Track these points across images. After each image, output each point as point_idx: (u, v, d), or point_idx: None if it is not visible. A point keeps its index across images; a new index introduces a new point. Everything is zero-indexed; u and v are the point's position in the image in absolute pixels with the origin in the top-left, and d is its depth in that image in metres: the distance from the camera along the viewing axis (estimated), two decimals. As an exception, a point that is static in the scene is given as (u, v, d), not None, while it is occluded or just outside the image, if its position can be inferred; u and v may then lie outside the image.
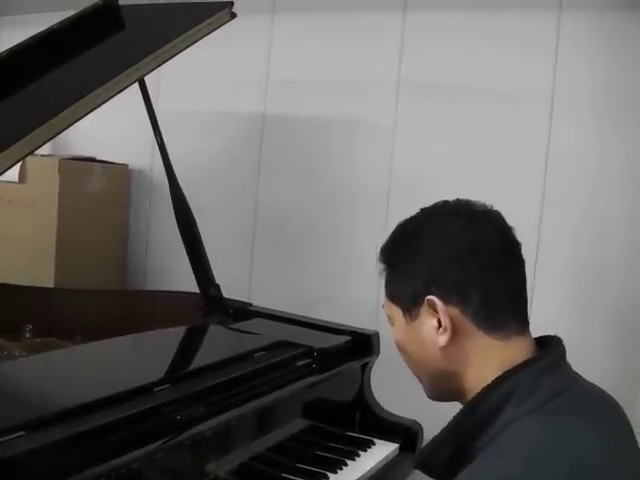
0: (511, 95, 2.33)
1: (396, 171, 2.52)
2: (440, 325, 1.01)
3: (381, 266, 1.10)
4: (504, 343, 1.01)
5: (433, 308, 1.01)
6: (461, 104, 2.39)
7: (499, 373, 0.98)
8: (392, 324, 1.10)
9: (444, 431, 1.02)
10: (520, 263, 1.05)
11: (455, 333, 1.01)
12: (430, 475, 1.06)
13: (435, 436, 1.03)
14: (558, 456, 0.88)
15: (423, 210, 1.10)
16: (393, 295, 1.08)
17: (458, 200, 1.09)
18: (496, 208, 1.07)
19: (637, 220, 2.17)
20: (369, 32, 2.54)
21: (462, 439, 0.98)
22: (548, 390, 0.95)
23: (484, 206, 1.07)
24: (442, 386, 1.07)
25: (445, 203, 1.09)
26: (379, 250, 1.11)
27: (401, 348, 1.10)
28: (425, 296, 1.02)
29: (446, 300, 1.00)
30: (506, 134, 2.34)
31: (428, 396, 1.11)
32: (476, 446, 0.95)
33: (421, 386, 1.12)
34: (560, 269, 2.27)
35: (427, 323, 1.03)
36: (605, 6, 2.20)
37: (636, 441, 1.03)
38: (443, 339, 1.01)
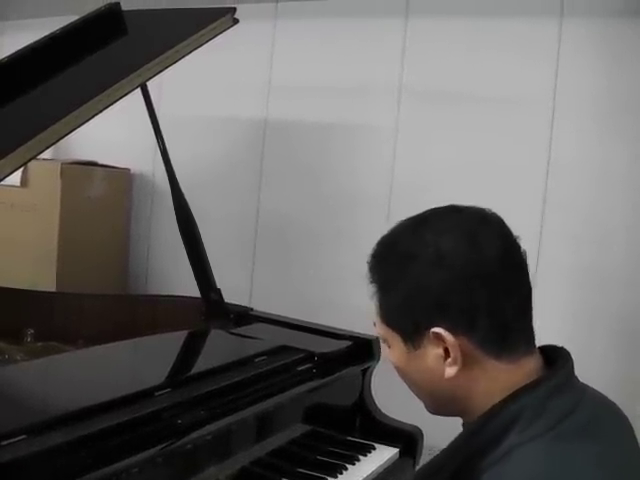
0: (513, 101, 2.33)
1: (397, 176, 2.53)
2: (447, 355, 0.93)
3: (372, 288, 1.00)
4: (513, 366, 0.94)
5: (440, 339, 0.93)
6: (463, 110, 2.39)
7: (507, 394, 0.92)
8: (388, 346, 1.02)
9: (447, 450, 0.96)
10: (525, 273, 0.96)
11: (464, 363, 0.93)
12: None
13: (435, 457, 0.98)
14: None
15: (412, 222, 0.99)
16: (390, 321, 0.99)
17: (451, 208, 0.98)
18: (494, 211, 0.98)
19: (639, 227, 2.17)
20: (371, 38, 2.55)
21: (467, 458, 0.92)
22: (556, 413, 0.90)
23: (481, 212, 0.97)
24: (445, 408, 1.01)
25: (436, 213, 0.98)
26: (368, 268, 1.01)
27: (401, 372, 1.02)
28: (430, 327, 0.93)
29: (453, 330, 0.92)
30: (508, 140, 2.34)
31: (429, 412, 1.05)
32: (481, 466, 0.90)
33: None
34: (561, 276, 2.26)
35: (432, 352, 0.95)
36: (606, 13, 2.20)
37: None
38: (451, 371, 0.94)
